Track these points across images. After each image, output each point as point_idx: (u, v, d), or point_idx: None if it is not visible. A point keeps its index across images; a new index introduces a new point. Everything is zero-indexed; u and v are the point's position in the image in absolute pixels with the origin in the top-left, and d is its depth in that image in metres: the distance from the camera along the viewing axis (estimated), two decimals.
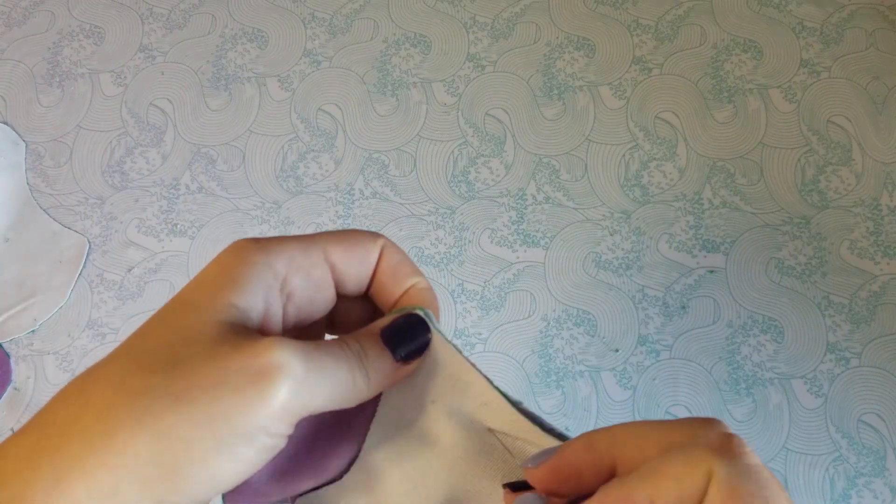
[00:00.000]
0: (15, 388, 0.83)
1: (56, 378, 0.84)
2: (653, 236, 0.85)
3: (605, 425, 0.21)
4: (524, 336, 0.83)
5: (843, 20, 0.93)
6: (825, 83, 0.90)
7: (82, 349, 0.85)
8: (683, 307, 0.82)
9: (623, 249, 0.85)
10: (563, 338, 0.82)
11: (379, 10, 0.98)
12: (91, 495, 0.18)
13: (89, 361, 0.84)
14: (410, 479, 0.25)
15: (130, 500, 0.19)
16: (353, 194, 0.89)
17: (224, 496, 0.23)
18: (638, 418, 0.79)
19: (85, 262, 0.88)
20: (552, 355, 0.82)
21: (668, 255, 0.84)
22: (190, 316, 0.21)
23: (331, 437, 0.25)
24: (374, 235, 0.26)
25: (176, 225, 0.89)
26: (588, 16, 0.96)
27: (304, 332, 0.26)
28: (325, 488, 0.26)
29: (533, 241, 0.86)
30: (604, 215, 0.86)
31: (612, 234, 0.85)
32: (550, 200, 0.87)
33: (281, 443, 0.21)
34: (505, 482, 0.24)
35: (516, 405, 0.24)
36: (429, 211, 0.88)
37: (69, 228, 0.90)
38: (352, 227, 0.89)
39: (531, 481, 0.22)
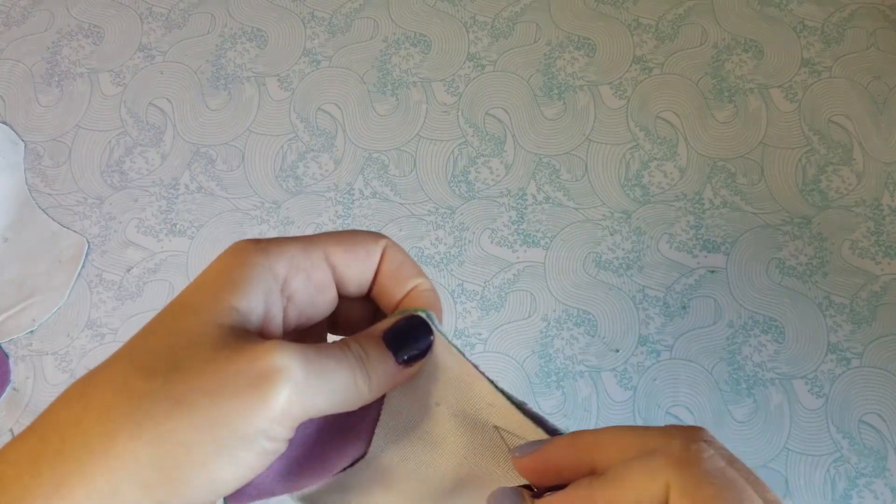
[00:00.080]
0: (14, 389, 0.83)
1: (55, 378, 0.84)
2: (653, 236, 0.85)
3: (606, 426, 0.22)
4: (524, 336, 0.83)
5: (844, 19, 0.93)
6: (826, 83, 0.90)
7: (81, 349, 0.85)
8: (684, 307, 0.82)
9: (623, 249, 0.85)
10: (563, 338, 0.82)
11: (379, 10, 0.97)
12: (91, 498, 0.18)
13: (88, 361, 0.84)
14: (418, 478, 0.25)
15: (130, 503, 0.19)
16: (353, 194, 0.89)
17: (225, 498, 0.22)
18: (638, 419, 0.79)
19: (84, 262, 0.88)
20: (552, 355, 0.81)
21: (668, 255, 0.84)
22: (190, 319, 0.21)
23: (335, 438, 0.25)
24: (376, 236, 0.25)
25: (175, 225, 0.89)
26: (588, 15, 0.96)
27: (305, 333, 0.26)
28: (329, 487, 0.26)
29: (533, 241, 0.86)
30: (604, 215, 0.86)
31: (612, 234, 0.85)
32: (551, 200, 0.87)
33: (281, 447, 0.21)
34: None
35: (520, 406, 0.24)
36: (429, 211, 0.88)
37: (68, 228, 0.90)
38: (351, 227, 0.88)
39: (516, 469, 0.23)
